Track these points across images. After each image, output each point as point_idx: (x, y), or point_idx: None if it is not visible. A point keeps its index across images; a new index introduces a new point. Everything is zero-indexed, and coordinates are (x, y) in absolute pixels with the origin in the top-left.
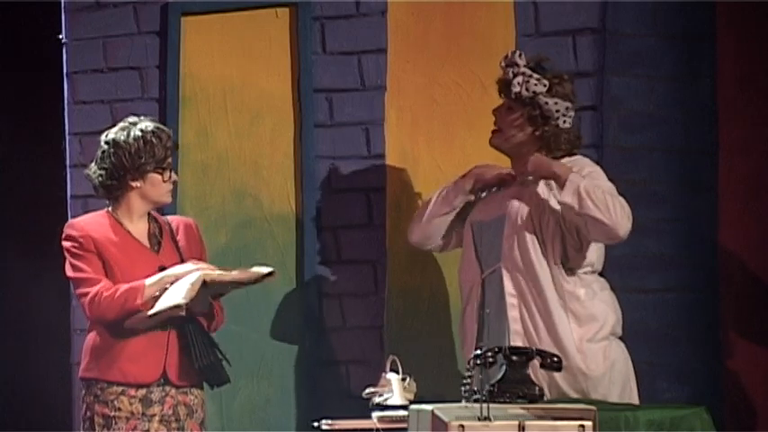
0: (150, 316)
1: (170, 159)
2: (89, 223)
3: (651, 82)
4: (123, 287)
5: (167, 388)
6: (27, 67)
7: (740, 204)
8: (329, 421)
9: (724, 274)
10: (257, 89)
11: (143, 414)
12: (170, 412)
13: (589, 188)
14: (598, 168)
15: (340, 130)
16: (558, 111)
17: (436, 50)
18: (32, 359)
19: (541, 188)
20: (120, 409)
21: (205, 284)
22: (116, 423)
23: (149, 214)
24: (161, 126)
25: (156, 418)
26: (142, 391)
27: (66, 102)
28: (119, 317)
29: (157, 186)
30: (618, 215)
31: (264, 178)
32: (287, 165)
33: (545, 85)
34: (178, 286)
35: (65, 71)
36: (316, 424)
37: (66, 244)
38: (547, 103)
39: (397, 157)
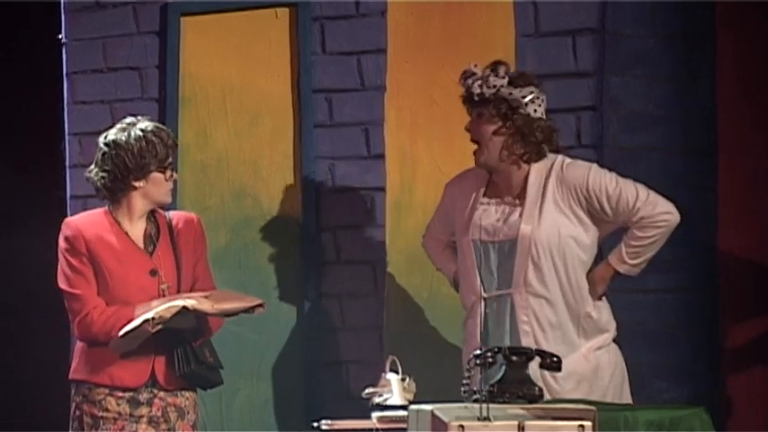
0: (121, 336)
1: (171, 158)
2: (84, 222)
3: (650, 82)
4: (113, 312)
5: (155, 390)
6: (26, 67)
7: (739, 204)
8: (329, 421)
9: (723, 274)
10: (257, 89)
11: (130, 415)
12: (159, 414)
13: (634, 250)
14: (594, 167)
15: (339, 130)
16: (523, 97)
17: (436, 51)
18: (34, 360)
19: (550, 209)
20: (107, 410)
21: (187, 310)
22: (104, 423)
23: (150, 213)
24: (160, 125)
25: (144, 419)
26: (129, 393)
27: (65, 102)
28: (106, 340)
29: (160, 186)
30: (666, 233)
31: (264, 178)
32: (286, 165)
33: (503, 77)
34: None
35: (64, 71)
36: (315, 424)
37: (60, 244)
38: (511, 93)
39: (396, 157)
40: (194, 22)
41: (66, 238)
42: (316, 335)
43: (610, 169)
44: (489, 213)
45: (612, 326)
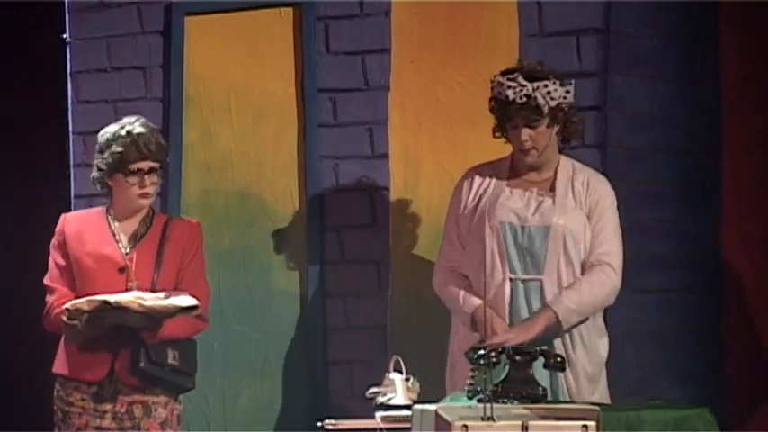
0: (68, 321)
1: (144, 164)
2: (73, 218)
3: (655, 82)
4: (63, 305)
5: (119, 386)
6: (31, 66)
7: (744, 205)
8: (333, 421)
9: (727, 274)
10: (261, 89)
11: (94, 410)
12: (123, 410)
13: (580, 307)
14: (612, 195)
15: (343, 129)
16: (572, 102)
17: (440, 50)
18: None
19: (576, 205)
20: (73, 404)
21: (108, 305)
22: (70, 418)
23: (149, 214)
24: (146, 131)
25: (108, 414)
26: (94, 388)
27: (69, 101)
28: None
29: (125, 189)
30: (604, 293)
31: (268, 178)
32: (290, 165)
33: (554, 83)
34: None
35: (68, 71)
36: (319, 424)
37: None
38: (565, 97)
39: (400, 156)
40: (198, 22)
41: (55, 234)
42: (319, 334)
43: (612, 170)
44: (516, 199)
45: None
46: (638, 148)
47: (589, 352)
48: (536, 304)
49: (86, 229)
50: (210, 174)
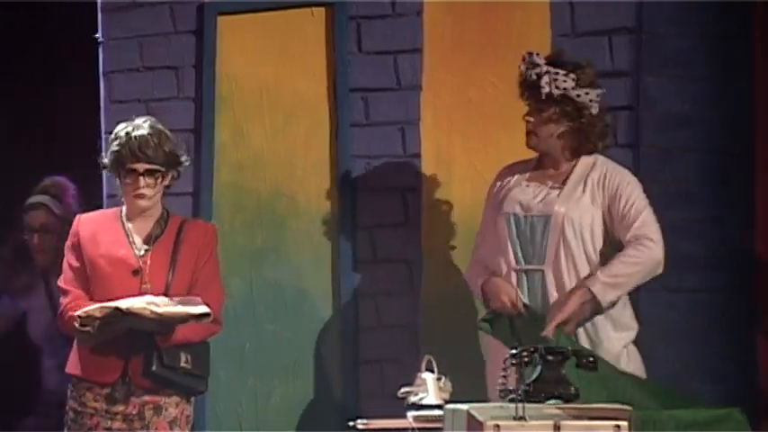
0: (80, 327)
1: (138, 165)
2: (87, 219)
3: (687, 82)
4: (79, 308)
5: (132, 388)
6: (63, 66)
7: None
8: (364, 420)
9: (759, 274)
10: (293, 89)
11: (106, 411)
12: (134, 412)
13: (616, 280)
14: (634, 181)
15: (375, 129)
16: (591, 100)
17: (472, 50)
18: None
19: (587, 198)
20: (85, 405)
21: (120, 311)
22: (82, 418)
23: (164, 215)
24: (146, 133)
25: (119, 416)
26: (107, 390)
27: (102, 101)
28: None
29: (124, 189)
30: (642, 265)
31: (300, 178)
32: (322, 164)
33: (573, 80)
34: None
35: (101, 70)
36: (351, 423)
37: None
38: (579, 95)
39: (432, 156)
40: (231, 22)
41: (70, 235)
42: (351, 334)
43: (644, 170)
44: (527, 191)
45: (635, 326)
46: (670, 148)
47: (595, 346)
48: (538, 295)
49: (101, 230)
50: (242, 173)
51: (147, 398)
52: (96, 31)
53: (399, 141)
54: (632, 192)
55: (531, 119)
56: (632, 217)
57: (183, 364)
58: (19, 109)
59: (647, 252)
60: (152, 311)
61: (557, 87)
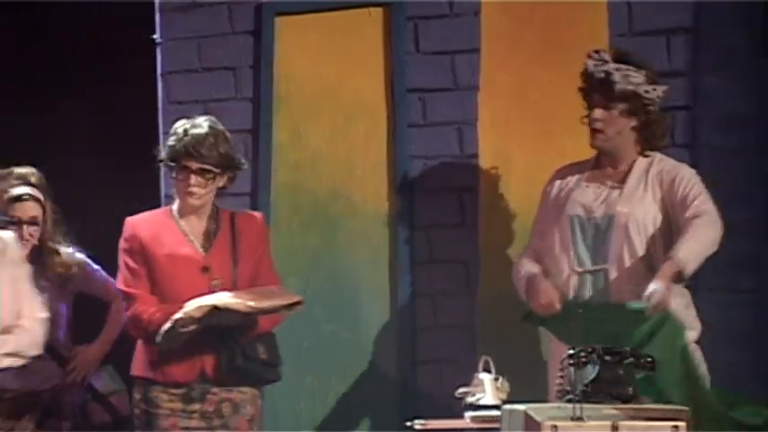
0: (161, 337)
1: (191, 163)
2: (142, 221)
3: (744, 82)
4: (160, 311)
5: (208, 385)
6: (122, 67)
7: None
8: (422, 421)
9: None
10: (351, 89)
11: (183, 411)
12: (211, 409)
13: (690, 249)
14: (693, 171)
15: (433, 129)
16: (658, 96)
17: (529, 50)
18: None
19: (648, 195)
20: (159, 406)
21: (218, 309)
22: (156, 420)
23: (214, 211)
24: (203, 132)
25: (197, 414)
26: (182, 389)
27: (160, 102)
28: (153, 338)
29: (176, 184)
30: (717, 230)
31: (358, 178)
32: (380, 164)
33: (644, 76)
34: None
35: (159, 71)
36: (408, 423)
37: (120, 244)
38: (647, 91)
39: (490, 156)
40: (289, 22)
41: (124, 239)
42: (408, 334)
43: (701, 170)
44: (587, 193)
45: (698, 326)
46: (728, 149)
47: None
48: (600, 293)
49: (161, 230)
50: (300, 173)
51: (223, 394)
52: (154, 32)
53: (456, 141)
54: (691, 178)
55: (599, 116)
56: (692, 197)
57: (261, 356)
58: (78, 109)
59: (711, 220)
60: (247, 305)
61: (630, 83)
